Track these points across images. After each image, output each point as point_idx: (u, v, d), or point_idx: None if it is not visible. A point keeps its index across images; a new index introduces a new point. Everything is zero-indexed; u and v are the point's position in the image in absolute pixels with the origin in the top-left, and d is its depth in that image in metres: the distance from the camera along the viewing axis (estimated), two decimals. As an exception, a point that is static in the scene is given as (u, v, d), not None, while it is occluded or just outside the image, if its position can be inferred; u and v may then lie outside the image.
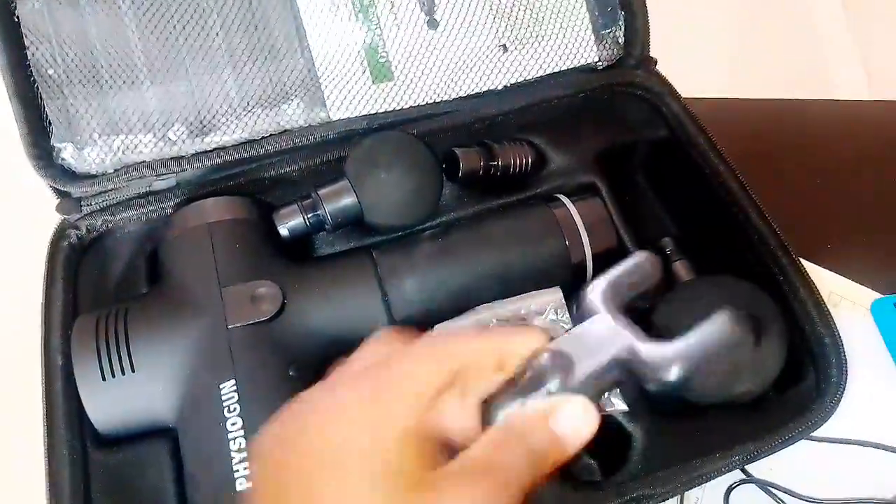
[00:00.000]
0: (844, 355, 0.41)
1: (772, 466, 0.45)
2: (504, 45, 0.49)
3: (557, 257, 0.43)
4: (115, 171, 0.45)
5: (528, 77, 0.50)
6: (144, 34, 0.45)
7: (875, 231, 0.54)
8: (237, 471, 0.35)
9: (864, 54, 0.87)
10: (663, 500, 0.38)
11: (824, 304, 0.42)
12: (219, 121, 0.46)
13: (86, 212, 0.45)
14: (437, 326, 0.41)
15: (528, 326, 0.32)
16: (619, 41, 0.51)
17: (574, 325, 0.29)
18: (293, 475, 0.24)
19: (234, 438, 0.35)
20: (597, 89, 0.50)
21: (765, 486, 0.44)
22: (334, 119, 0.47)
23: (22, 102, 0.43)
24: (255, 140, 0.46)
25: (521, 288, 0.43)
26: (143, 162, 0.45)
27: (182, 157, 0.45)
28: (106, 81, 0.45)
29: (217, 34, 0.46)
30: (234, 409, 0.36)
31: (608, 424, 0.40)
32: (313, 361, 0.38)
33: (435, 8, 0.48)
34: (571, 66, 0.50)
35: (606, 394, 0.39)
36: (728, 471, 0.39)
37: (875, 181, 0.57)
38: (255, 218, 0.43)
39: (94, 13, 0.44)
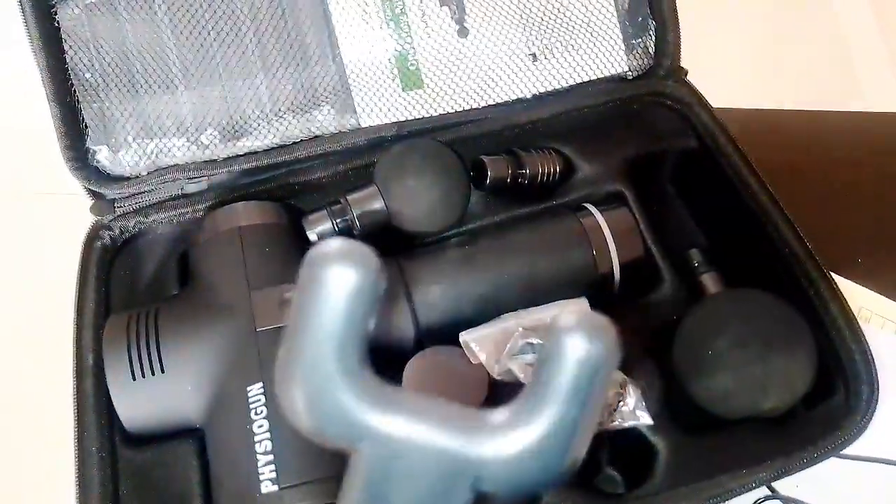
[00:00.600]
0: (875, 371, 0.40)
1: (798, 483, 0.44)
2: (534, 54, 0.49)
3: (584, 267, 0.43)
4: (149, 173, 0.46)
5: (558, 86, 0.50)
6: (180, 40, 0.45)
7: (908, 246, 0.53)
8: (262, 473, 0.35)
9: (898, 66, 0.86)
10: (687, 515, 0.38)
11: (855, 319, 0.41)
12: (251, 126, 0.46)
13: (119, 213, 0.46)
14: (462, 334, 0.41)
15: None
16: (650, 51, 0.51)
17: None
18: None
19: (261, 441, 0.36)
20: (626, 99, 0.50)
21: (791, 503, 0.44)
22: (364, 126, 0.48)
23: (60, 105, 0.44)
24: (285, 145, 0.47)
25: (547, 297, 0.43)
26: (176, 165, 0.46)
27: (214, 161, 0.46)
28: (141, 86, 0.45)
29: (251, 41, 0.46)
30: (261, 412, 0.36)
31: (632, 437, 0.40)
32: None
33: (465, 17, 0.48)
34: (601, 76, 0.50)
35: (631, 406, 0.39)
36: (754, 487, 0.39)
37: (908, 195, 0.56)
38: (284, 222, 0.44)
39: (131, 20, 0.45)
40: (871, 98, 0.71)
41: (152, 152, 0.46)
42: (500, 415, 0.18)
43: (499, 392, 0.39)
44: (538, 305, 0.43)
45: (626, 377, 0.39)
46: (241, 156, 0.46)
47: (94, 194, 0.46)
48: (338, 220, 0.44)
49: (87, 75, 0.45)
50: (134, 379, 0.38)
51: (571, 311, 0.17)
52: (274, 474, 0.35)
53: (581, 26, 0.50)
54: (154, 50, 0.45)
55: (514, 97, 0.49)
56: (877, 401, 0.40)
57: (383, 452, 0.18)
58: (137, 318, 0.39)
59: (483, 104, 0.49)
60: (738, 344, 0.39)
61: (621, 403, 0.39)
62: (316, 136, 0.47)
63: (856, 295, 0.50)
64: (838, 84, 0.73)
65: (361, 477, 0.18)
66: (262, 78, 0.47)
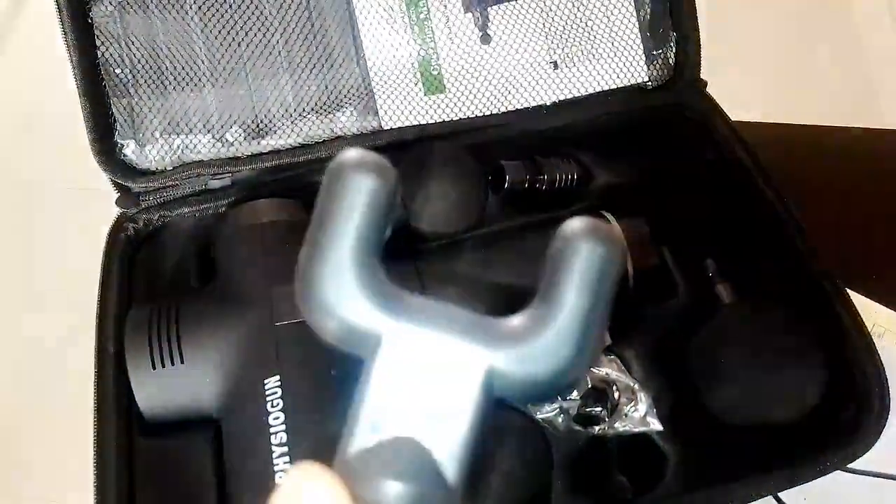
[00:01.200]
0: (887, 386, 0.40)
1: (805, 496, 0.44)
2: (555, 62, 0.50)
3: (599, 274, 0.43)
4: (174, 168, 0.47)
5: (578, 94, 0.50)
6: (209, 39, 0.46)
7: (923, 264, 0.53)
8: (276, 464, 0.36)
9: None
10: (694, 522, 0.38)
11: (868, 333, 0.41)
12: (275, 125, 0.47)
13: (144, 206, 0.47)
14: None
15: None
16: (670, 62, 0.51)
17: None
18: None
19: (276, 433, 0.36)
20: (645, 109, 0.51)
21: (799, 515, 0.44)
22: (385, 128, 0.48)
23: (90, 100, 0.45)
24: (308, 145, 0.48)
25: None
26: (201, 161, 0.47)
27: (238, 158, 0.47)
28: (170, 83, 0.46)
29: (277, 41, 0.47)
30: (277, 404, 0.37)
31: (642, 443, 0.40)
32: (354, 363, 0.39)
33: (489, 24, 0.49)
34: (621, 85, 0.51)
35: (642, 413, 0.39)
36: (761, 497, 0.39)
37: (925, 213, 0.56)
38: (305, 220, 0.44)
39: (162, 18, 0.46)
40: (890, 117, 0.71)
41: (178, 148, 0.47)
42: (515, 318, 0.19)
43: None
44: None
45: (637, 383, 0.40)
46: (265, 154, 0.47)
47: (120, 187, 0.47)
48: (357, 220, 0.45)
49: (118, 71, 0.46)
50: (154, 368, 0.39)
51: (578, 219, 0.19)
52: (288, 465, 0.35)
53: (603, 36, 0.50)
54: (183, 48, 0.46)
55: (534, 104, 0.50)
56: (888, 416, 0.40)
57: (397, 353, 0.18)
58: (159, 310, 0.40)
59: (503, 110, 0.50)
60: (751, 355, 0.39)
61: (632, 409, 0.39)
62: (338, 137, 0.48)
63: (870, 310, 0.50)
64: (859, 100, 0.73)
65: (376, 380, 0.19)
66: (288, 78, 0.47)
